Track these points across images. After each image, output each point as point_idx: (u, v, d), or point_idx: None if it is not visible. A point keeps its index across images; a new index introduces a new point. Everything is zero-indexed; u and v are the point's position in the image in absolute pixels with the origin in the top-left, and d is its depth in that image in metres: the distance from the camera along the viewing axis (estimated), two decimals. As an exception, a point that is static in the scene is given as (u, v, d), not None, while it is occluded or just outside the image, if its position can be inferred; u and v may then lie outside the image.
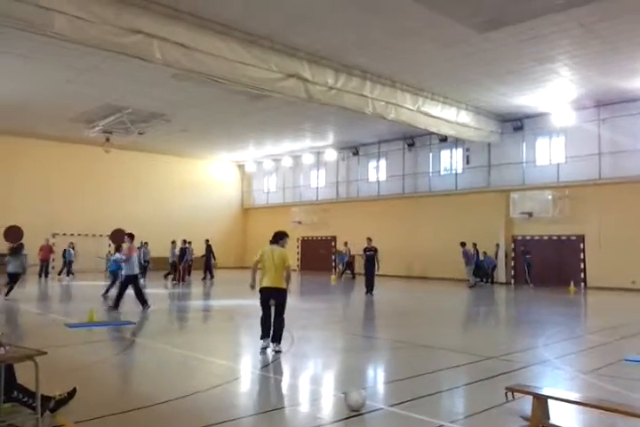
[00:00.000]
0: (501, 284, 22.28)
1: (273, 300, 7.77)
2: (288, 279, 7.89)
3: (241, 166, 35.58)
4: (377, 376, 7.03)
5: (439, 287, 20.97)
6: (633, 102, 19.30)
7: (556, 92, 18.86)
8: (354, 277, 24.80)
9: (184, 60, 12.37)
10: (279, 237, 8.00)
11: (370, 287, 16.52)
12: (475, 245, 21.90)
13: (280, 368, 7.19)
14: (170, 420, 4.82)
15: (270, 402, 5.63)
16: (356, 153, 28.72)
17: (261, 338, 7.85)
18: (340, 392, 5.40)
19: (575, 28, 13.30)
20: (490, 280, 22.56)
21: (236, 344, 9.18)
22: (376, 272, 16.86)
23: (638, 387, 6.13)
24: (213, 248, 23.14)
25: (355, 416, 4.86)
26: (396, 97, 17.33)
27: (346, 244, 26.40)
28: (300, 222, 30.29)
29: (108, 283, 15.44)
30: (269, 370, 6.93)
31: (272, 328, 7.74)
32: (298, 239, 31.27)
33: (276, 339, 7.75)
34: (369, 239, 17.25)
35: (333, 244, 29.65)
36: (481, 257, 22.40)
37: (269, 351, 7.66)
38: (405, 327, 10.90)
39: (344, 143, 28.20)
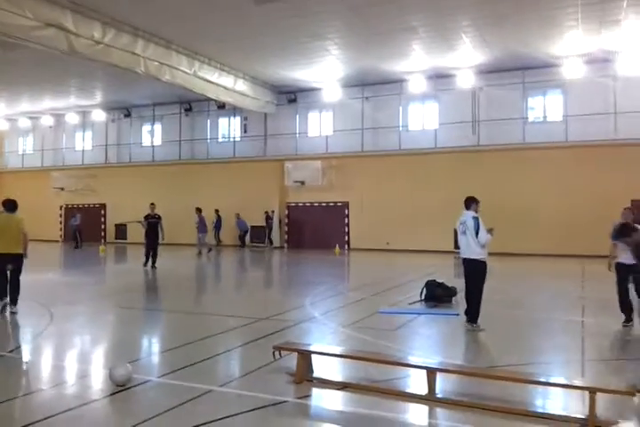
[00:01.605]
0: (276, 248, 23.30)
1: (10, 265, 8.31)
2: (26, 245, 8.46)
3: (-11, 124, 30.64)
4: (150, 347, 6.80)
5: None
6: (391, 84, 21.40)
7: (326, 69, 19.99)
8: (76, 247, 23.63)
9: None
10: (11, 206, 8.50)
11: (153, 258, 15.48)
12: (216, 211, 22.86)
13: (37, 348, 6.50)
14: None
15: (25, 386, 5.05)
16: (128, 115, 26.92)
17: None
18: (106, 368, 5.09)
19: (345, 11, 14.13)
20: (242, 244, 23.58)
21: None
22: (160, 241, 15.91)
23: (387, 336, 6.97)
24: None
25: (120, 391, 4.63)
26: (170, 58, 16.58)
27: (73, 210, 25.63)
28: (62, 189, 27.67)
29: None
30: (22, 351, 6.22)
31: (10, 291, 8.28)
32: (61, 207, 28.49)
33: (14, 301, 8.28)
34: (152, 205, 16.18)
35: (102, 212, 27.74)
36: (231, 222, 23.38)
37: (8, 313, 8.12)
38: (179, 296, 10.77)
39: (114, 103, 26.13)
